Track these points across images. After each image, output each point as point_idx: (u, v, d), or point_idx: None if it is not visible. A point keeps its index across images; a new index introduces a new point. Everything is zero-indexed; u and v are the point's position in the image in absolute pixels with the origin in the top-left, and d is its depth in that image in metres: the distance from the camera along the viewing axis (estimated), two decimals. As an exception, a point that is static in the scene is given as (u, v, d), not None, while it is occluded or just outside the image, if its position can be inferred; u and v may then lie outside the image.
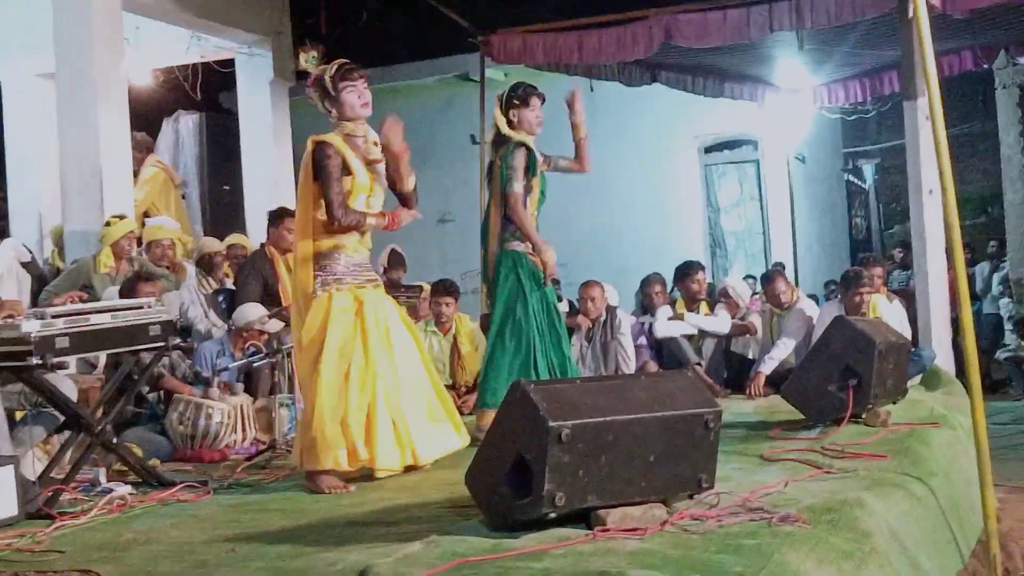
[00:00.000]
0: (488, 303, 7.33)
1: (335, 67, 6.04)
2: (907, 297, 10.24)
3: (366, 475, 5.91)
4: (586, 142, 7.36)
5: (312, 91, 6.11)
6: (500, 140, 7.12)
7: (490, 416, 6.27)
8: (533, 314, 7.00)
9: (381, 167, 6.17)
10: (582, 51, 10.96)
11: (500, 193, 7.04)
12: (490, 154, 7.26)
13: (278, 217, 8.96)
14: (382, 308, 6.11)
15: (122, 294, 7.64)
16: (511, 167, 6.94)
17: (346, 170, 5.94)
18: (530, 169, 6.99)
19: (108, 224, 9.10)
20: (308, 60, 6.12)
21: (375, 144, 6.15)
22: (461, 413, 8.58)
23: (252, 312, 8.29)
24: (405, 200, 6.35)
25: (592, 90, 14.78)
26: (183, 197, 13.52)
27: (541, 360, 6.99)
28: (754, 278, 14.04)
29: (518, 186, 6.93)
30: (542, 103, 7.17)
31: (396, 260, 10.48)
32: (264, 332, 8.19)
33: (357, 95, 6.04)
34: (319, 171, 5.92)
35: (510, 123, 7.07)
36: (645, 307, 10.54)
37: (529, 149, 7.01)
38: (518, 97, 7.10)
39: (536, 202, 7.08)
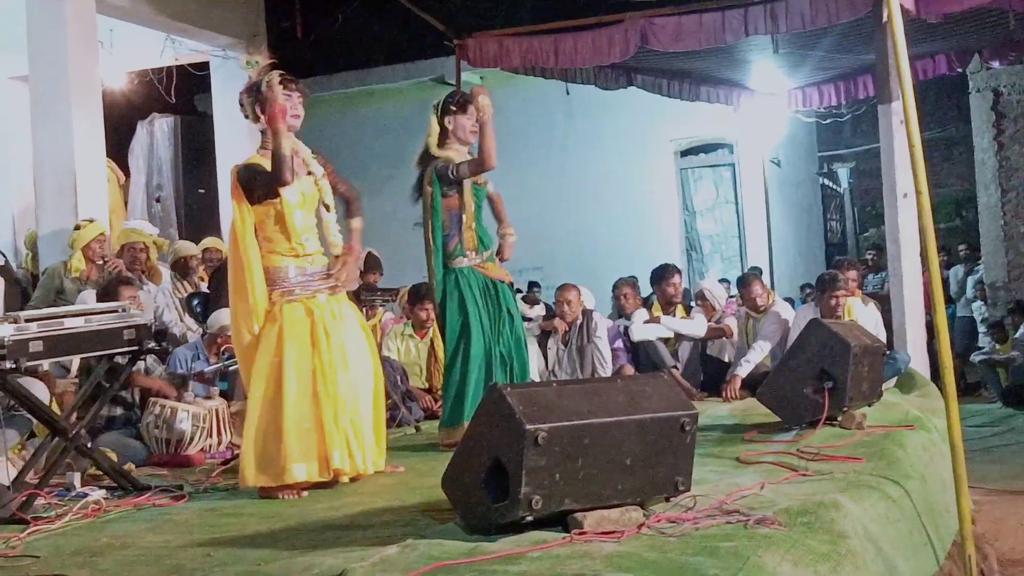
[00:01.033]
0: (438, 324, 7.27)
1: (275, 76, 5.91)
2: (881, 300, 10.28)
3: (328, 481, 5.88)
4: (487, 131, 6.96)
5: (245, 97, 6.04)
6: (425, 159, 7.04)
7: (454, 433, 6.30)
8: (482, 329, 6.94)
9: (321, 181, 6.11)
10: (558, 55, 10.98)
11: (432, 220, 6.99)
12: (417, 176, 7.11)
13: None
14: (337, 315, 5.97)
15: (100, 298, 7.60)
16: (446, 184, 6.90)
17: (273, 193, 5.87)
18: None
19: (78, 228, 9.06)
20: (249, 63, 6.02)
21: (304, 161, 6.07)
22: (435, 416, 8.61)
23: (227, 317, 8.26)
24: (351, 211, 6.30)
25: (568, 93, 14.84)
26: (157, 200, 13.52)
27: (499, 372, 6.93)
28: (728, 281, 14.09)
29: (464, 168, 6.87)
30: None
31: (372, 263, 10.45)
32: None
33: (290, 105, 5.91)
34: (248, 180, 5.88)
35: (444, 131, 7.00)
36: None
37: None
38: (456, 103, 7.00)
39: (473, 216, 6.99)
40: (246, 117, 6.11)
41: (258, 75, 5.97)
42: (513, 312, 7.13)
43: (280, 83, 5.88)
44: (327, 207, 6.12)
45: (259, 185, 5.87)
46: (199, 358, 8.17)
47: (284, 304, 5.84)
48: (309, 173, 6.04)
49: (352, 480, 5.90)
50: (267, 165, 5.85)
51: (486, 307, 6.97)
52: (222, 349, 8.16)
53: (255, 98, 5.96)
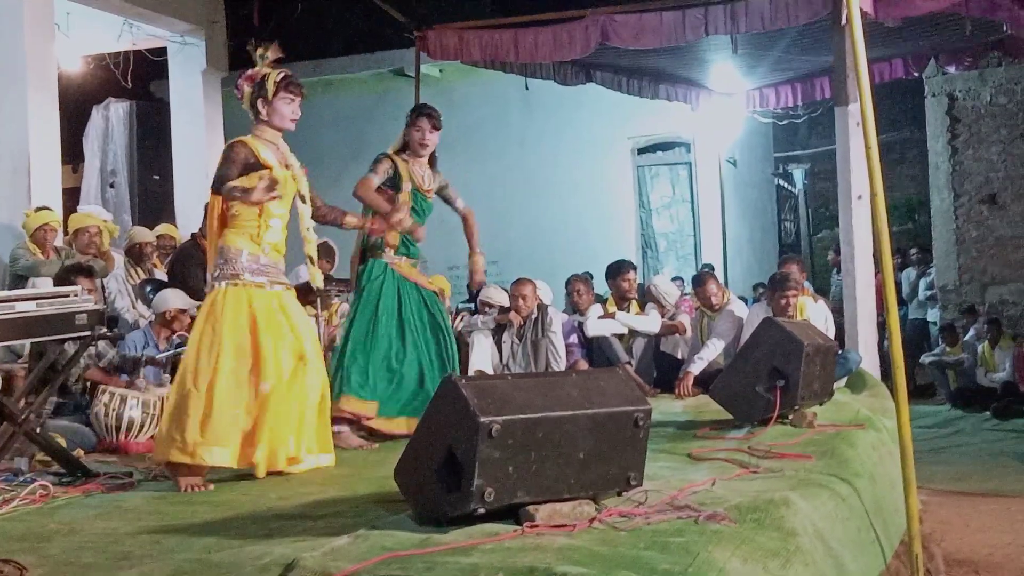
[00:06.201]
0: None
1: (282, 75, 6.05)
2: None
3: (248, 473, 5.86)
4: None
5: (246, 85, 6.08)
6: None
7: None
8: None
9: (298, 173, 6.17)
10: (518, 49, 10.98)
11: None
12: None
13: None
14: (280, 308, 5.97)
15: (59, 284, 7.54)
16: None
17: (259, 165, 5.92)
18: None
19: (27, 216, 9.06)
20: (262, 56, 6.09)
21: (284, 155, 6.14)
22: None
23: (173, 298, 8.22)
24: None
25: (527, 88, 14.81)
26: (111, 186, 13.42)
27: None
28: (682, 280, 14.14)
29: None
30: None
31: (324, 252, 10.39)
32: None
33: (291, 109, 6.06)
34: (223, 160, 5.94)
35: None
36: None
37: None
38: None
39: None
40: (239, 100, 6.16)
41: (264, 68, 6.07)
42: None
43: (284, 85, 6.02)
44: (303, 199, 6.18)
45: (225, 158, 5.94)
46: (149, 344, 8.12)
47: (227, 287, 5.84)
48: (287, 166, 6.09)
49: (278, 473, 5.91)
50: (253, 144, 5.97)
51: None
52: (172, 335, 8.11)
53: (258, 90, 6.03)
